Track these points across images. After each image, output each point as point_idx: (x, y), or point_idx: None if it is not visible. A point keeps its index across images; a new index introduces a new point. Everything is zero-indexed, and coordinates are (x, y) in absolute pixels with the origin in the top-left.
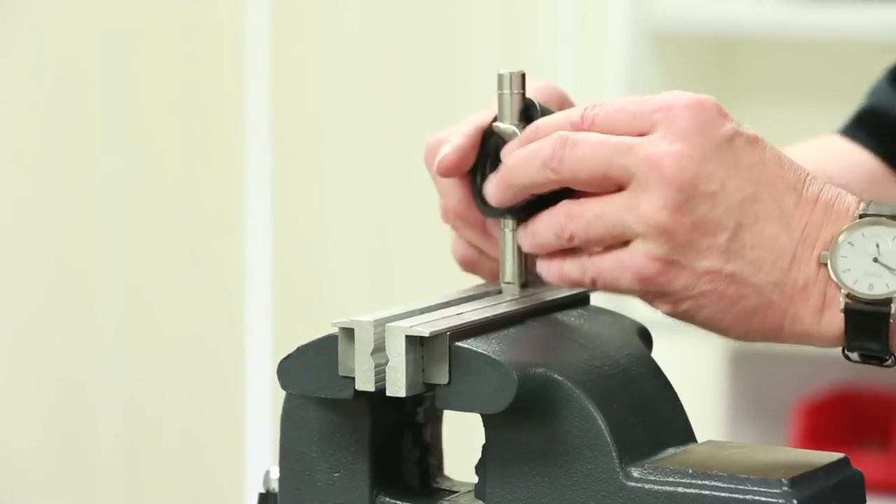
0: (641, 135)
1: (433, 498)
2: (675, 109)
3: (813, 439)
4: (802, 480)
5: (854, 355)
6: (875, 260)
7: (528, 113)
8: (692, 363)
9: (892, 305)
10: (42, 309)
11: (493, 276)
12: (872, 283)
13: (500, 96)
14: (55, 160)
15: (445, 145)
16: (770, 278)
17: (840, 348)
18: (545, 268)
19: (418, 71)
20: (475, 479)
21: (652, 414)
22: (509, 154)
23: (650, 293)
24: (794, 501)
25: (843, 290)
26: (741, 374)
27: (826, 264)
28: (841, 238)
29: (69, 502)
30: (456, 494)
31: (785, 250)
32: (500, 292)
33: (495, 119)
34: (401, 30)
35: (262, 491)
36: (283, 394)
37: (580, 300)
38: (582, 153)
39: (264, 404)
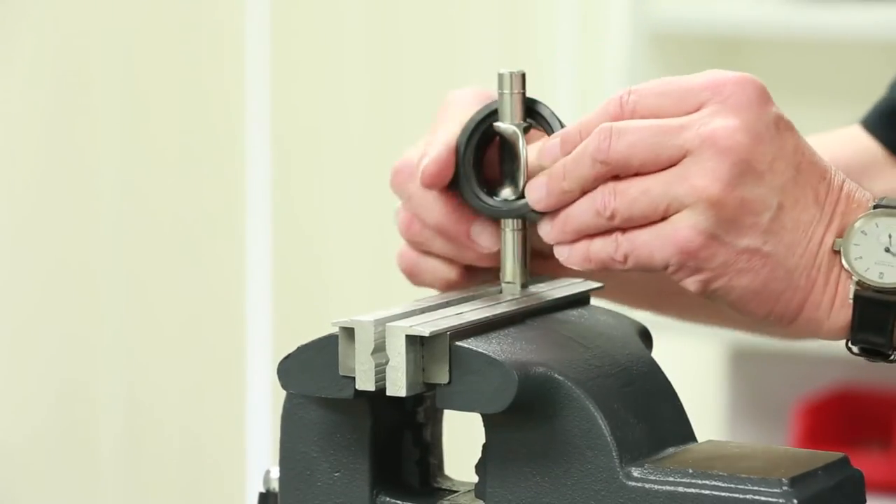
0: (688, 113)
1: (433, 497)
2: (726, 86)
3: (813, 439)
4: (802, 480)
5: (856, 348)
6: (887, 250)
7: (534, 110)
8: (692, 363)
9: None
10: (42, 307)
11: (445, 286)
12: (883, 272)
13: (501, 96)
14: (55, 158)
15: (425, 157)
16: (801, 262)
17: (843, 342)
18: (568, 252)
19: (418, 71)
20: (475, 479)
21: (652, 414)
22: (549, 155)
23: (685, 268)
24: (795, 501)
25: (854, 277)
26: (741, 374)
27: (839, 252)
28: (856, 226)
29: (69, 501)
30: (456, 494)
31: (816, 236)
32: (500, 292)
33: (489, 116)
34: (401, 30)
35: (263, 490)
36: (283, 393)
37: (580, 300)
38: (631, 139)
39: (265, 404)
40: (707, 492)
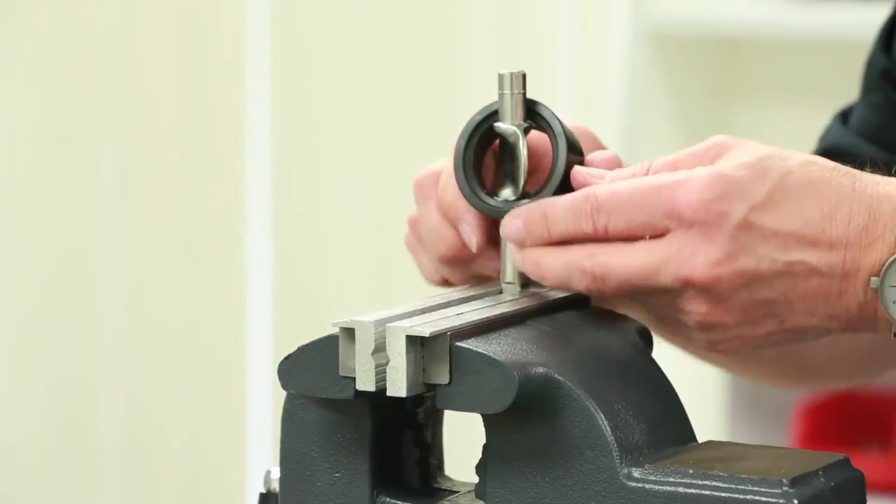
0: (656, 233)
1: (434, 498)
2: (684, 213)
3: (813, 439)
4: (803, 480)
5: None
6: None
7: (534, 111)
8: (692, 363)
9: None
10: (43, 307)
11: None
12: None
13: (501, 97)
14: (56, 157)
15: (465, 227)
16: (826, 312)
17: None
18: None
19: (418, 71)
20: (476, 479)
21: (652, 414)
22: (513, 234)
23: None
24: (795, 501)
25: (892, 318)
26: None
27: (876, 291)
28: (891, 266)
29: (70, 499)
30: (456, 494)
31: (831, 290)
32: (500, 292)
33: (490, 116)
34: (401, 30)
35: (263, 491)
36: (283, 394)
37: (580, 300)
38: (616, 280)
39: (265, 404)
40: (707, 492)
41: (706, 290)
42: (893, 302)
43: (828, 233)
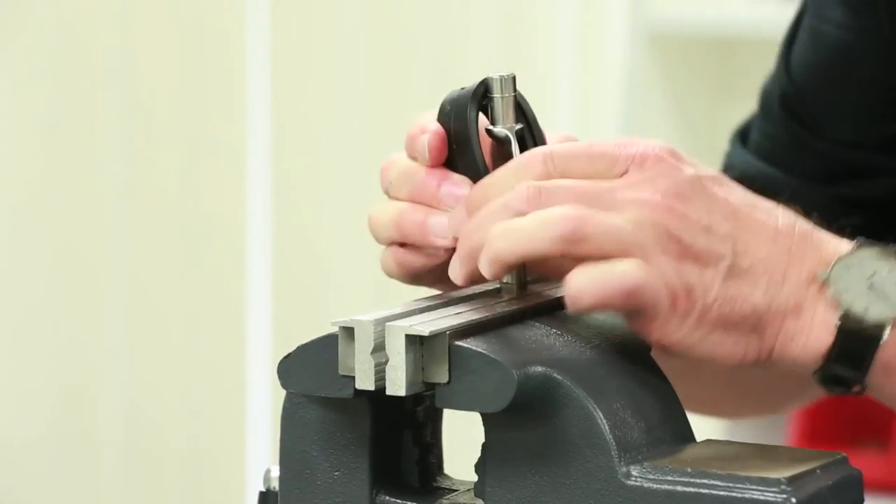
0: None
1: (433, 496)
2: (647, 159)
3: (811, 438)
4: (801, 479)
5: (824, 378)
6: (871, 286)
7: (521, 109)
8: None
9: (884, 330)
10: (43, 309)
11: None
12: (868, 307)
13: (492, 100)
14: (56, 160)
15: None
16: (766, 296)
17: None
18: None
19: (418, 71)
20: (475, 478)
21: (651, 413)
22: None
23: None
24: (793, 500)
25: (840, 308)
26: None
27: (822, 283)
28: (840, 261)
29: (71, 501)
30: (456, 493)
31: (777, 269)
32: (498, 291)
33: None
34: (400, 30)
35: (263, 489)
36: (283, 393)
37: None
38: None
39: (265, 403)
40: (706, 491)
41: (657, 220)
42: (843, 290)
43: (778, 217)
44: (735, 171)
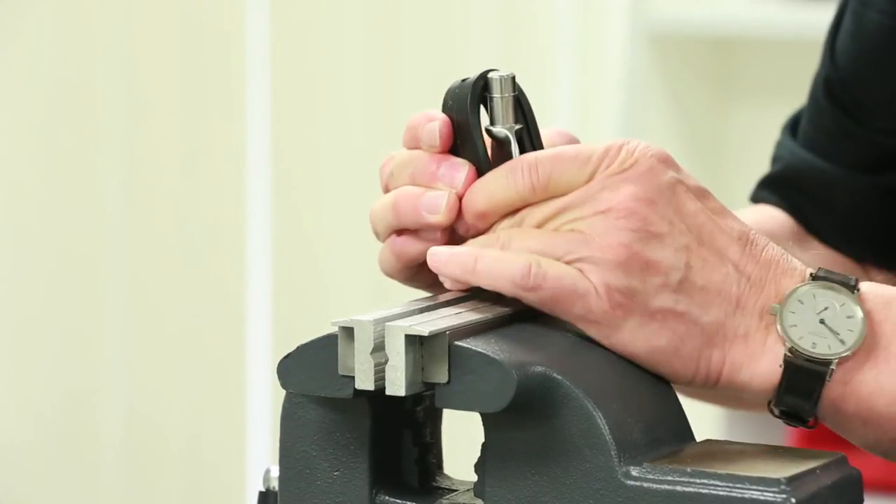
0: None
1: (432, 496)
2: (618, 154)
3: (811, 438)
4: (800, 479)
5: (777, 410)
6: (822, 322)
7: (521, 109)
8: None
9: (829, 367)
10: (43, 311)
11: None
12: (816, 343)
13: (492, 100)
14: (56, 162)
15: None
16: (715, 320)
17: (766, 403)
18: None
19: (418, 71)
20: (475, 478)
21: (651, 413)
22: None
23: (605, 327)
24: (793, 500)
25: (787, 344)
26: None
27: (775, 316)
28: (793, 294)
29: (71, 501)
30: (455, 493)
31: (730, 295)
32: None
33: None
34: (401, 30)
35: (262, 489)
36: (283, 393)
37: None
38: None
39: (265, 403)
40: (705, 491)
41: (619, 222)
42: (792, 325)
43: (748, 242)
44: (782, 163)
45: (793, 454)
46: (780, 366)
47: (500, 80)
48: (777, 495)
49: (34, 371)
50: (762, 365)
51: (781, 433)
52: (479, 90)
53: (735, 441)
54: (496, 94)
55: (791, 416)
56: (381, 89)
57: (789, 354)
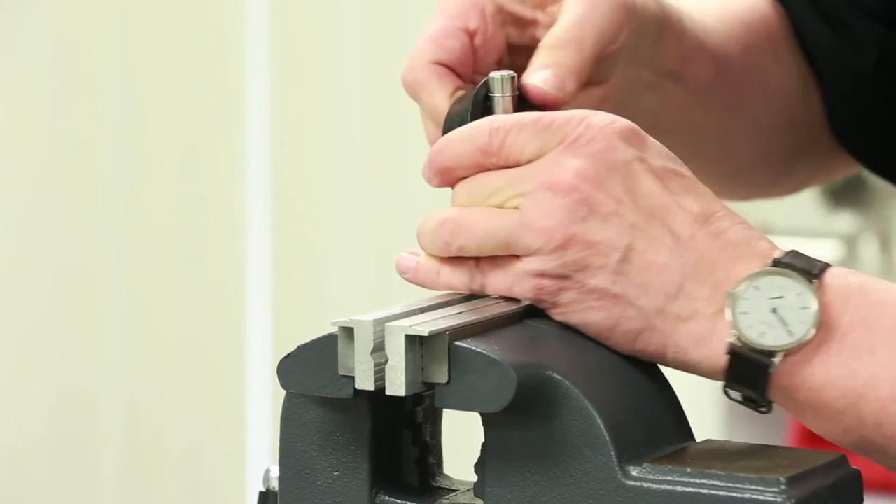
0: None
1: (432, 496)
2: (577, 127)
3: (810, 438)
4: (800, 479)
5: (734, 394)
6: (773, 311)
7: (519, 104)
8: None
9: (774, 359)
10: (43, 311)
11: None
12: (764, 333)
13: (493, 100)
14: (56, 162)
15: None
16: (654, 304)
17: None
18: (422, 274)
19: None
20: (474, 478)
21: (650, 413)
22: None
23: (542, 303)
24: (792, 500)
25: (733, 332)
26: None
27: (728, 301)
28: (748, 281)
29: (71, 501)
30: (455, 493)
31: (673, 279)
32: None
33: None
34: (401, 30)
35: (262, 489)
36: (283, 393)
37: None
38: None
39: (264, 403)
40: (705, 491)
41: (559, 197)
42: (743, 312)
43: (707, 222)
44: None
45: (793, 454)
46: (726, 354)
47: (501, 79)
48: (777, 495)
49: (35, 371)
50: (711, 349)
51: (781, 433)
52: (482, 99)
53: (735, 441)
54: (497, 94)
55: (747, 399)
56: (381, 89)
57: (735, 343)
